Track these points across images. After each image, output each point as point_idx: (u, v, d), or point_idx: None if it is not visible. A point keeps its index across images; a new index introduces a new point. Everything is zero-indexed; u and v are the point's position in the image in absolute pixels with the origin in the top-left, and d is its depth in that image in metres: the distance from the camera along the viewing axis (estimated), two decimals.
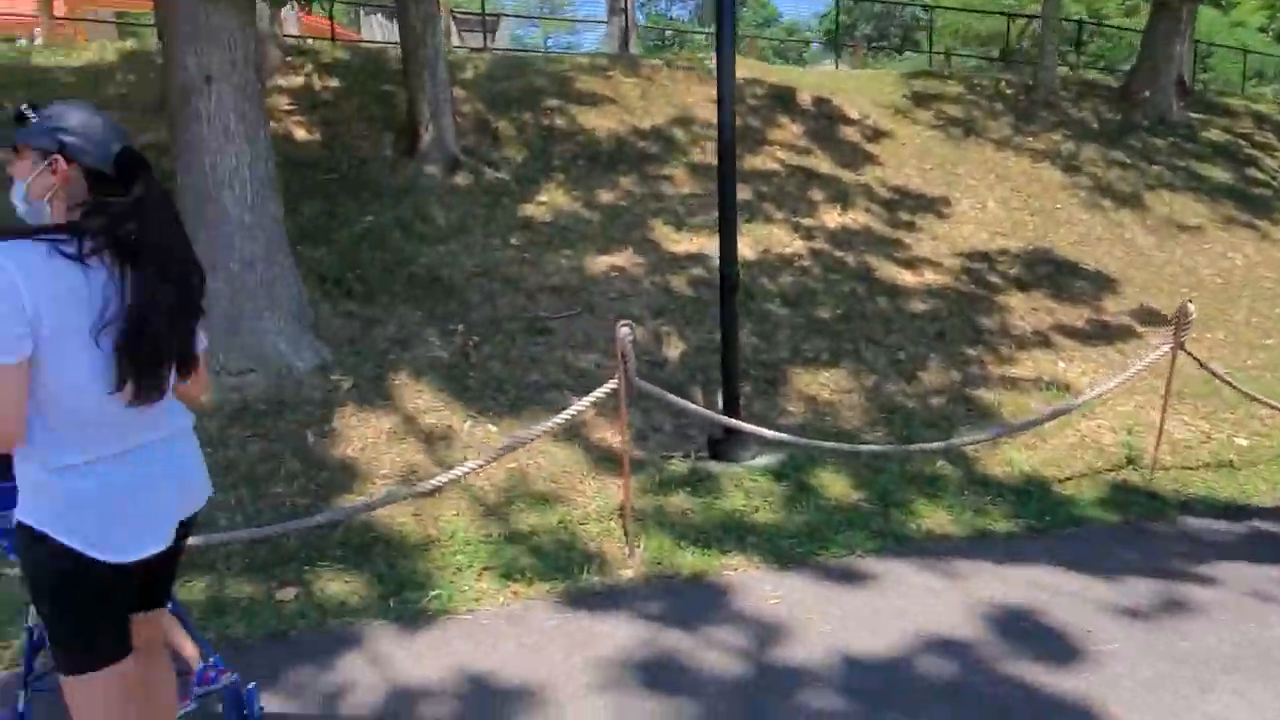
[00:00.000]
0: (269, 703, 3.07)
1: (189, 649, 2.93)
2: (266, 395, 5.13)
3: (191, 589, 3.78)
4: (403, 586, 3.90)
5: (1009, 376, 6.38)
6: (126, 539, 2.06)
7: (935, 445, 5.02)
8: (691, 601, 3.81)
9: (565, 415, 4.15)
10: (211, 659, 2.93)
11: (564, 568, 4.08)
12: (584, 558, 4.17)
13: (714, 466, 5.09)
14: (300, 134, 8.10)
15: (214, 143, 5.14)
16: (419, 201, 7.35)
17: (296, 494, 4.49)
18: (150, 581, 2.27)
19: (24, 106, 2.09)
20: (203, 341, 2.23)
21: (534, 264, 6.90)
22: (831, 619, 3.62)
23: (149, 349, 2.04)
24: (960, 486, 5.00)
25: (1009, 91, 11.84)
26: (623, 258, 7.18)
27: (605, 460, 5.08)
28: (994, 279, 7.72)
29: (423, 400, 5.34)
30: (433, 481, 4.10)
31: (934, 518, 4.66)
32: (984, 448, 5.39)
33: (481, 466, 4.22)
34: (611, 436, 5.35)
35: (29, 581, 2.09)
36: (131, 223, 1.99)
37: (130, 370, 2.02)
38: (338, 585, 3.90)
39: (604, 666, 3.31)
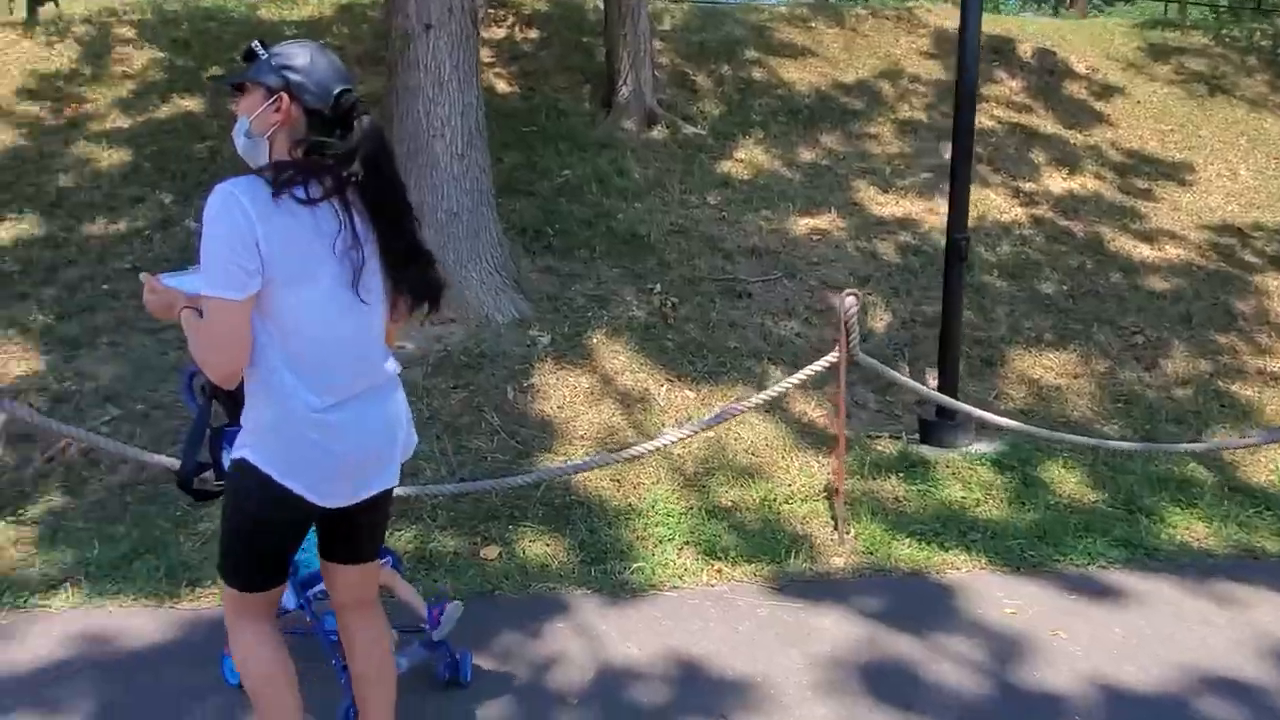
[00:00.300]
0: (477, 665, 3.00)
1: (416, 600, 2.89)
2: (467, 347, 5.13)
3: (400, 538, 3.79)
4: (604, 555, 3.78)
5: (1269, 371, 5.60)
6: (342, 485, 2.06)
7: (1197, 446, 4.42)
8: (913, 600, 3.49)
9: (783, 386, 3.88)
10: (430, 613, 2.88)
11: (769, 549, 3.84)
12: (790, 540, 3.91)
13: (927, 451, 4.70)
14: (501, 86, 8.10)
15: (429, 90, 5.13)
16: (616, 156, 7.19)
17: (497, 450, 4.45)
18: (349, 531, 2.23)
19: (255, 44, 2.08)
20: (438, 282, 2.20)
21: (732, 224, 6.62)
22: (1080, 639, 3.21)
23: (394, 284, 2.10)
24: (1218, 495, 4.40)
25: (1264, 43, 10.45)
26: (825, 220, 6.78)
27: (808, 435, 4.79)
28: (1248, 257, 6.82)
29: (619, 361, 5.20)
30: (637, 449, 3.94)
31: (1190, 529, 4.11)
32: (1244, 451, 4.73)
33: (691, 436, 4.02)
34: (813, 410, 5.04)
35: (228, 505, 2.10)
36: (352, 164, 1.99)
37: (388, 301, 2.09)
38: (539, 548, 3.82)
39: (824, 666, 3.06)
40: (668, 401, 4.94)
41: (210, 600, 3.43)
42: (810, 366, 3.93)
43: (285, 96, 2.01)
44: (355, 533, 2.24)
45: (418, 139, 5.20)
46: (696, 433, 4.05)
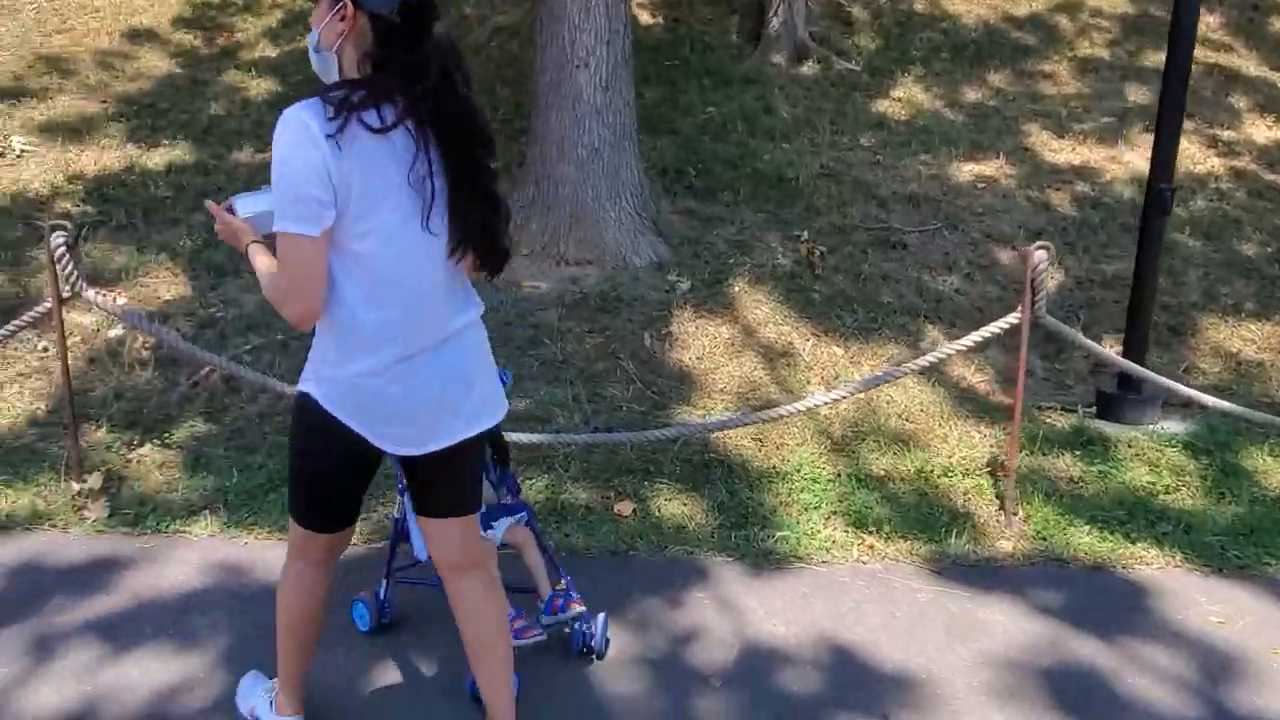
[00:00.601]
0: (613, 631, 2.80)
1: (541, 573, 2.69)
2: (603, 290, 4.90)
3: (531, 488, 3.62)
4: (745, 519, 3.51)
5: None
6: (404, 431, 1.97)
7: None
8: (1099, 597, 3.09)
9: (956, 346, 3.48)
10: (564, 580, 2.68)
11: (927, 526, 3.49)
12: (950, 517, 3.55)
13: (1106, 427, 4.20)
14: (644, 17, 7.73)
15: (575, 17, 4.84)
16: (764, 93, 6.75)
17: (632, 399, 4.22)
18: (430, 482, 2.13)
19: None
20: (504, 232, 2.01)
21: (888, 168, 6.12)
22: None
23: (461, 220, 1.91)
24: None
25: None
26: (991, 167, 6.20)
27: (968, 402, 4.36)
28: None
29: (762, 311, 4.87)
30: (785, 409, 3.63)
31: None
32: None
33: (846, 397, 3.68)
34: (972, 375, 4.60)
35: (292, 438, 2.06)
36: (424, 81, 1.80)
37: (453, 238, 1.91)
38: (676, 507, 3.58)
39: (998, 667, 2.72)
40: (813, 358, 4.60)
41: None
42: (988, 327, 3.52)
43: (349, 3, 1.81)
44: (436, 485, 2.13)
45: (561, 69, 4.93)
46: (853, 394, 3.69)
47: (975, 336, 3.52)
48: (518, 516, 2.71)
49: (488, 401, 2.07)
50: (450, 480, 2.12)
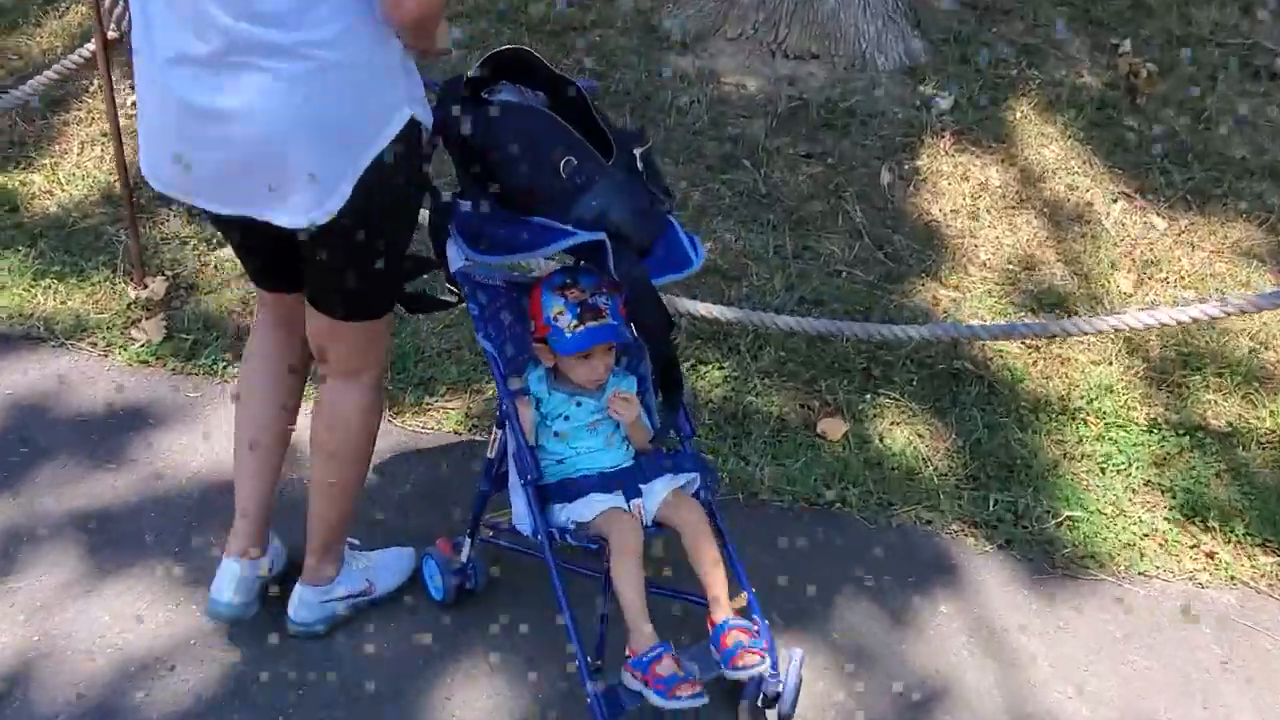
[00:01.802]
0: (808, 670, 1.79)
1: (717, 579, 1.65)
2: (830, 98, 3.57)
3: (702, 381, 2.57)
4: (1010, 475, 2.38)
5: None
6: (171, 172, 1.51)
7: None
8: None
9: None
10: (748, 596, 1.64)
11: None
12: None
13: None
14: None
15: None
16: None
17: (856, 261, 3.01)
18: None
19: None
20: None
21: None
22: None
23: None
24: None
25: None
26: None
27: None
28: None
29: (1052, 151, 3.45)
30: (1085, 323, 2.38)
31: None
32: None
33: (1202, 321, 2.33)
34: None
35: None
36: None
37: None
38: (908, 438, 2.47)
39: None
40: (1120, 230, 3.20)
41: (435, 418, 2.43)
42: None
43: None
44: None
45: None
46: (1220, 316, 2.34)
47: None
48: (686, 479, 1.67)
49: (285, 186, 1.41)
50: (312, 267, 1.58)
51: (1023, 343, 2.74)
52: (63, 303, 2.75)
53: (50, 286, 2.79)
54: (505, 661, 1.85)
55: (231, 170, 1.41)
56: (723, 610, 1.61)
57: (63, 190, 3.17)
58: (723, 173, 3.25)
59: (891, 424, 2.51)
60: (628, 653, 1.55)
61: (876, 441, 2.46)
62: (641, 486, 1.63)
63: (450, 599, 1.85)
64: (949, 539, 2.22)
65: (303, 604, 1.79)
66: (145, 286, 2.81)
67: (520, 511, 1.62)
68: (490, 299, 1.69)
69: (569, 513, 1.61)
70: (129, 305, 2.76)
